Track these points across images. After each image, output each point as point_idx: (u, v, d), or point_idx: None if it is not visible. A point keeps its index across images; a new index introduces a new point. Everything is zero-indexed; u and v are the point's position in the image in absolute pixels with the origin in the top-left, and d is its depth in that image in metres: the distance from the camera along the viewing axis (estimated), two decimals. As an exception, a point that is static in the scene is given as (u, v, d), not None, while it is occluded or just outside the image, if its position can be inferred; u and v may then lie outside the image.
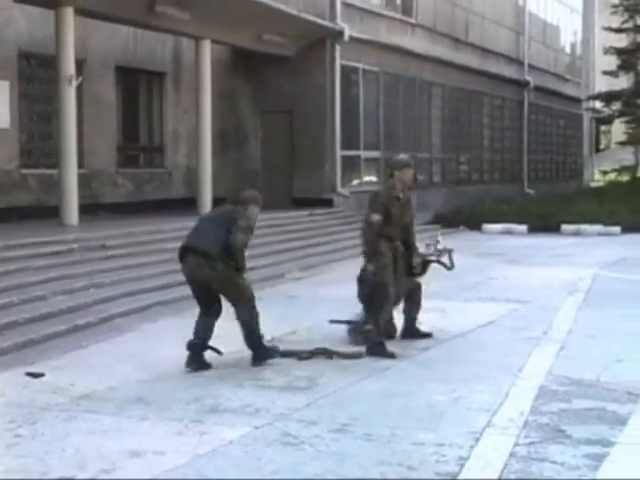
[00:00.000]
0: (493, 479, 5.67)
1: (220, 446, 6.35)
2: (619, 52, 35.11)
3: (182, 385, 8.16)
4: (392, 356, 9.05)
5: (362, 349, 9.24)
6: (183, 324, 11.15)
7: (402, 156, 10.69)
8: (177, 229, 16.16)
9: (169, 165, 23.04)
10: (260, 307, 12.52)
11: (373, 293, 9.49)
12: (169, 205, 21.15)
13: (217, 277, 8.71)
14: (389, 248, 9.50)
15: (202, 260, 8.71)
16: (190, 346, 8.76)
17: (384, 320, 9.53)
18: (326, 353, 9.14)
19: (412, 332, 10.17)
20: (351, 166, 24.09)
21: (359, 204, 23.51)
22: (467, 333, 10.55)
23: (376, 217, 9.38)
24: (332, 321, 11.05)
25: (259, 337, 8.98)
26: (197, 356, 8.77)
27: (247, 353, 9.21)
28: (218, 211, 9.76)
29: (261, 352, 8.95)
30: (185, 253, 8.95)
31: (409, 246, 9.89)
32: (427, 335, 10.12)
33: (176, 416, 7.12)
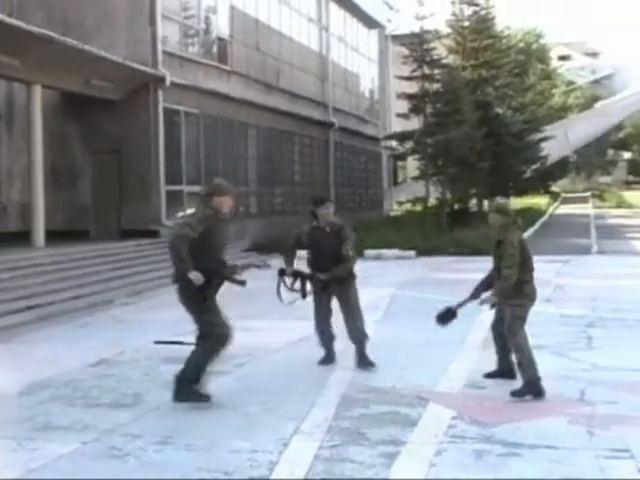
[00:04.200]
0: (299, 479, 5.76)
1: (51, 461, 6.22)
2: (410, 97, 36.12)
3: (15, 406, 7.91)
4: None
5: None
6: (14, 350, 10.87)
7: None
8: (10, 260, 15.73)
9: (3, 200, 22.35)
10: (90, 332, 12.41)
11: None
12: (4, 238, 20.48)
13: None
14: None
15: None
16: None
17: None
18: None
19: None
20: (175, 200, 23.91)
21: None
22: (280, 349, 10.63)
23: None
24: (157, 342, 11.02)
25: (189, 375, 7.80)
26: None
27: (75, 374, 9.05)
28: None
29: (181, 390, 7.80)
30: None
31: None
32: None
33: (9, 435, 6.92)
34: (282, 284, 9.16)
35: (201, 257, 7.48)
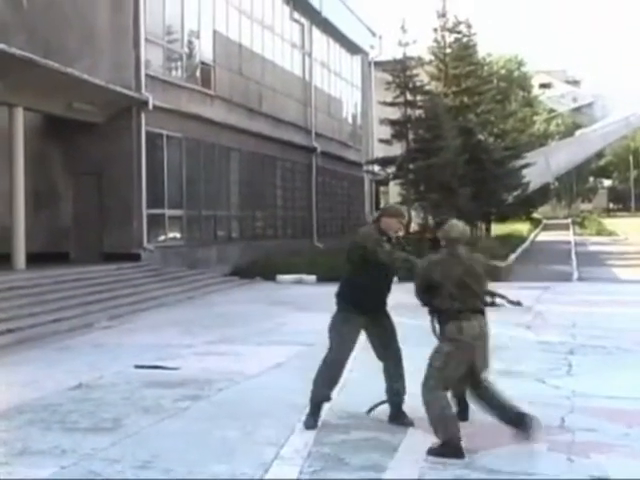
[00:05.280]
0: (279, 505, 5.75)
1: (27, 486, 6.18)
2: (392, 123, 36.29)
3: (-8, 431, 7.85)
4: None
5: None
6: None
7: None
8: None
9: (-16, 223, 22.22)
10: (70, 355, 12.34)
11: None
12: (-16, 261, 20.39)
13: None
14: None
15: None
16: None
17: None
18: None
19: None
20: (157, 223, 23.91)
21: (164, 258, 23.39)
22: (259, 374, 10.60)
23: None
24: (137, 366, 10.97)
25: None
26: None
27: (54, 398, 8.98)
28: None
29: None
30: None
31: None
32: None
33: (-15, 460, 6.86)
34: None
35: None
